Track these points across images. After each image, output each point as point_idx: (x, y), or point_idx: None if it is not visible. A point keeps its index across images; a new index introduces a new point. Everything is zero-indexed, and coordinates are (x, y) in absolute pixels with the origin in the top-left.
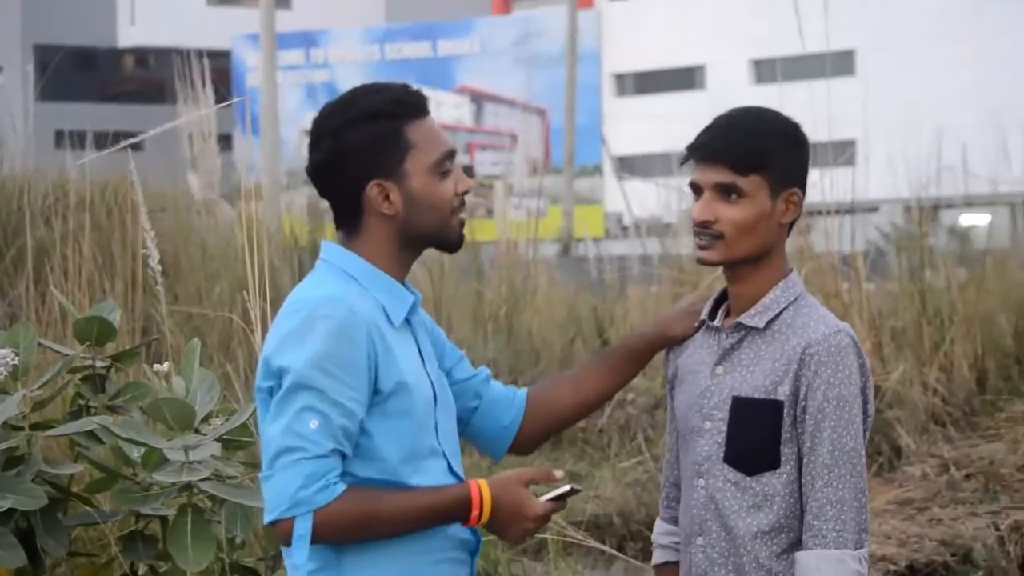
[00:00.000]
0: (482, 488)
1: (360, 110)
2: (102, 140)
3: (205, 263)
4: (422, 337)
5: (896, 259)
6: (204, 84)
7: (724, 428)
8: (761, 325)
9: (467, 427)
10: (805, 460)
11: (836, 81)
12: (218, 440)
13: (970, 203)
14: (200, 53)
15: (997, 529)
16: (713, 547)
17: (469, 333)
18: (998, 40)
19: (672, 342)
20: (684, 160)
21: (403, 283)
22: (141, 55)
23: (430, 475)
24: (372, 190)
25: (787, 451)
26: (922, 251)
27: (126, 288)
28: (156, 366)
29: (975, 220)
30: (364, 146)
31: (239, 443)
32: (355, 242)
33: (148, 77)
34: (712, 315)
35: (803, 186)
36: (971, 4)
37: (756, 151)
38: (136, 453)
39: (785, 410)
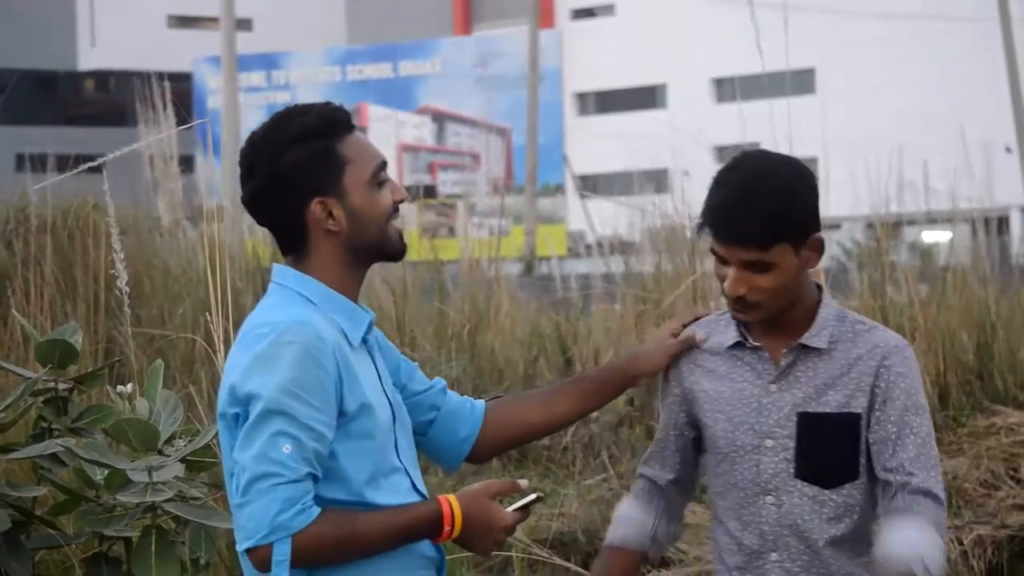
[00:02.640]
0: (452, 503)
1: (293, 132)
2: (63, 163)
3: (168, 285)
4: (378, 356)
5: (858, 275)
6: (165, 106)
7: (791, 444)
8: (824, 345)
9: (424, 439)
10: (881, 468)
11: (796, 99)
12: (182, 461)
13: (931, 220)
14: (161, 75)
15: (960, 544)
16: (793, 561)
17: (432, 351)
18: (958, 60)
19: (641, 381)
20: (700, 228)
21: (357, 303)
22: (102, 78)
23: (394, 493)
24: (315, 208)
25: (863, 461)
26: (883, 267)
27: (88, 310)
28: (119, 388)
29: (936, 237)
30: (303, 166)
31: (203, 464)
32: (305, 265)
33: (109, 100)
34: (730, 335)
35: (819, 223)
36: (930, 25)
37: (779, 225)
38: (99, 475)
39: (862, 422)
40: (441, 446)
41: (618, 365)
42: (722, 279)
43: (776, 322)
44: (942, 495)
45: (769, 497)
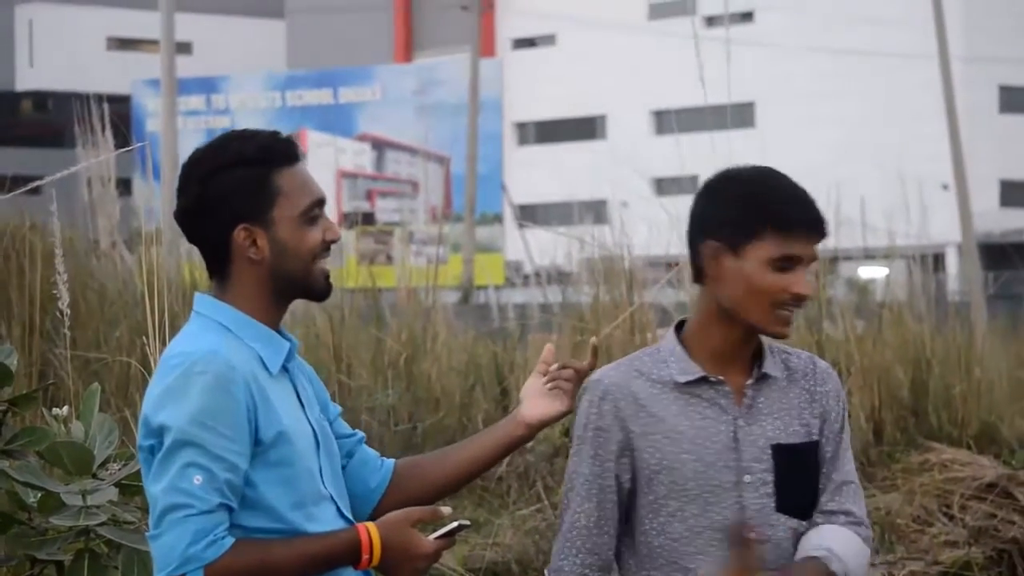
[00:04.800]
0: (371, 531)
1: (230, 156)
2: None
3: (104, 308)
4: (301, 383)
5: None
6: (104, 129)
7: (769, 478)
8: (780, 374)
9: None
10: (828, 483)
11: (736, 133)
12: (116, 485)
13: (868, 256)
14: (100, 97)
15: None
16: None
17: (369, 379)
18: (897, 96)
19: (534, 432)
20: (793, 227)
21: (278, 330)
22: (39, 99)
23: (321, 521)
24: (239, 235)
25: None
26: (820, 303)
27: (24, 332)
28: (54, 410)
29: (873, 273)
30: (232, 191)
31: (137, 488)
32: (226, 291)
33: (47, 121)
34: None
35: None
36: (869, 60)
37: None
38: (32, 497)
39: (820, 449)
40: (351, 493)
41: (506, 426)
42: (778, 289)
43: (750, 349)
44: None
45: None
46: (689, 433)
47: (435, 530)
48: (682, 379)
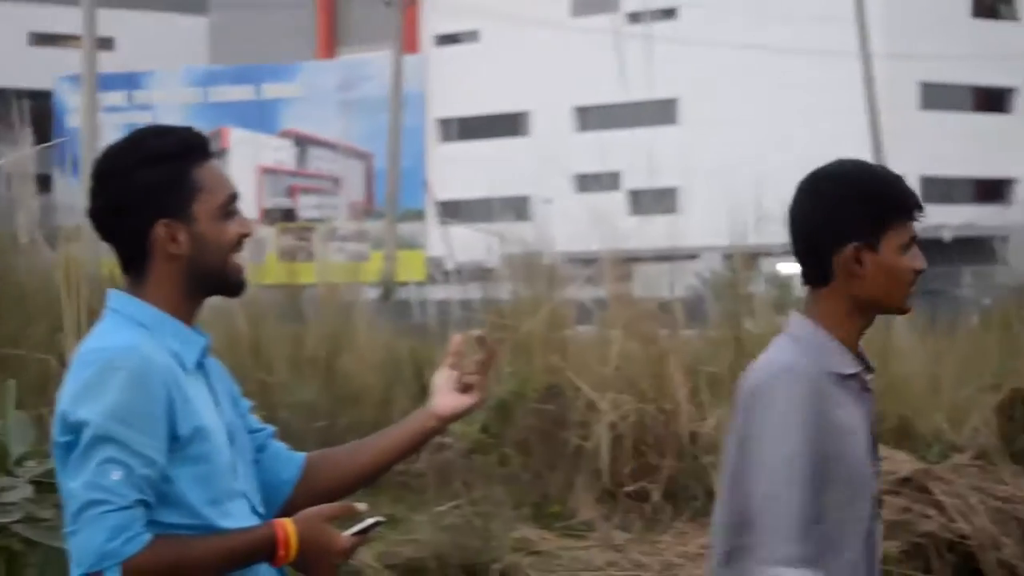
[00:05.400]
0: (287, 527)
1: (148, 152)
2: None
3: (22, 304)
4: (215, 379)
5: (715, 306)
6: (24, 124)
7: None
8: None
9: None
10: None
11: (659, 129)
12: (32, 482)
13: (789, 251)
14: (20, 93)
15: None
16: None
17: (288, 376)
18: (819, 92)
19: (445, 425)
20: (911, 210)
21: (193, 326)
22: None
23: (236, 517)
24: (160, 230)
25: None
26: (739, 298)
27: None
28: None
29: (794, 268)
30: (153, 187)
31: (53, 485)
32: (141, 287)
33: None
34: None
35: None
36: (792, 57)
37: None
38: None
39: None
40: (264, 486)
41: (427, 409)
42: (910, 270)
43: (857, 343)
44: None
45: (878, 523)
46: (853, 423)
47: (351, 527)
48: (847, 371)
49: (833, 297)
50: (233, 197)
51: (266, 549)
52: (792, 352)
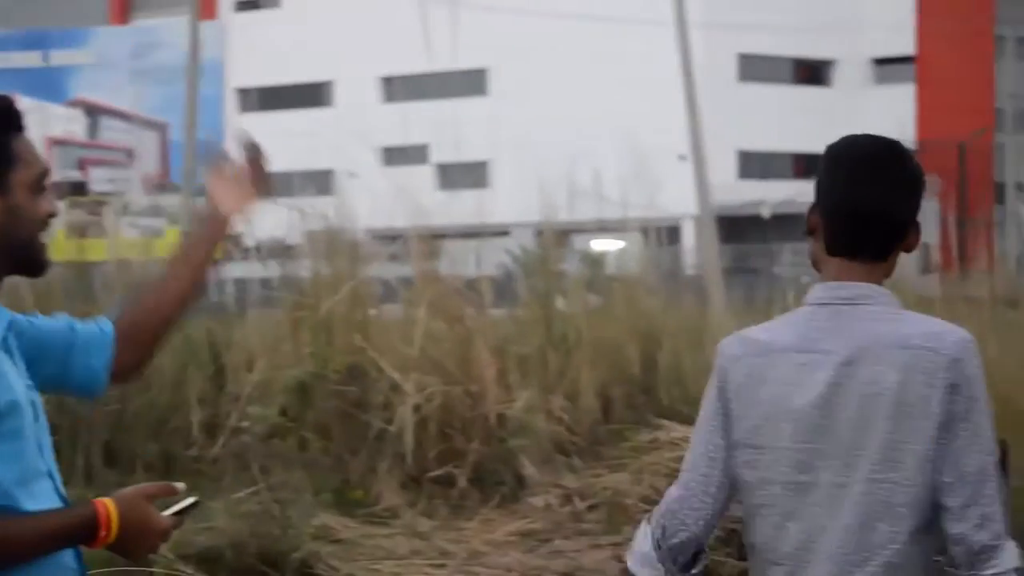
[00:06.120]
0: (108, 506)
1: None
2: None
3: None
4: (17, 358)
5: (525, 284)
6: None
7: None
8: None
9: (65, 375)
10: None
11: (467, 100)
12: None
13: (603, 228)
14: None
15: (620, 561)
16: None
17: None
18: (634, 64)
19: (231, 216)
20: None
21: None
22: None
23: (41, 498)
24: None
25: None
26: (549, 276)
27: None
28: None
29: (607, 245)
30: None
31: None
32: None
33: None
34: None
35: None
36: (606, 26)
37: None
38: None
39: None
40: (84, 374)
41: (212, 213)
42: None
43: None
44: None
45: None
46: None
47: (168, 507)
48: None
49: (887, 266)
50: (46, 172)
51: (87, 529)
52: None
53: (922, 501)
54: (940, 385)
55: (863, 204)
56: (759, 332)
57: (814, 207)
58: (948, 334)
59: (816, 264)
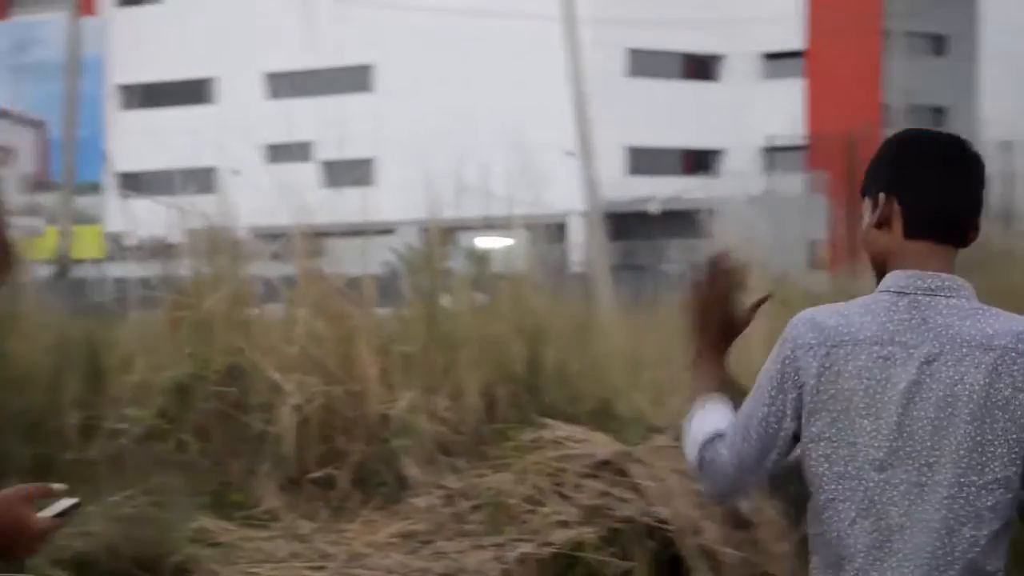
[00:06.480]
0: None
1: None
2: None
3: None
4: None
5: (410, 282)
6: None
7: None
8: None
9: None
10: None
11: (352, 97)
12: None
13: (489, 225)
14: None
15: (503, 561)
16: None
17: None
18: (521, 60)
19: None
20: None
21: None
22: None
23: None
24: None
25: None
26: (434, 274)
27: None
28: None
29: (492, 243)
30: None
31: None
32: None
33: None
34: None
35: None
36: (493, 22)
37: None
38: None
39: None
40: None
41: None
42: None
43: None
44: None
45: None
46: None
47: (48, 509)
48: None
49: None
50: None
51: None
52: None
53: (1007, 504)
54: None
55: (957, 191)
56: (832, 316)
57: (879, 200)
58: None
59: (882, 258)
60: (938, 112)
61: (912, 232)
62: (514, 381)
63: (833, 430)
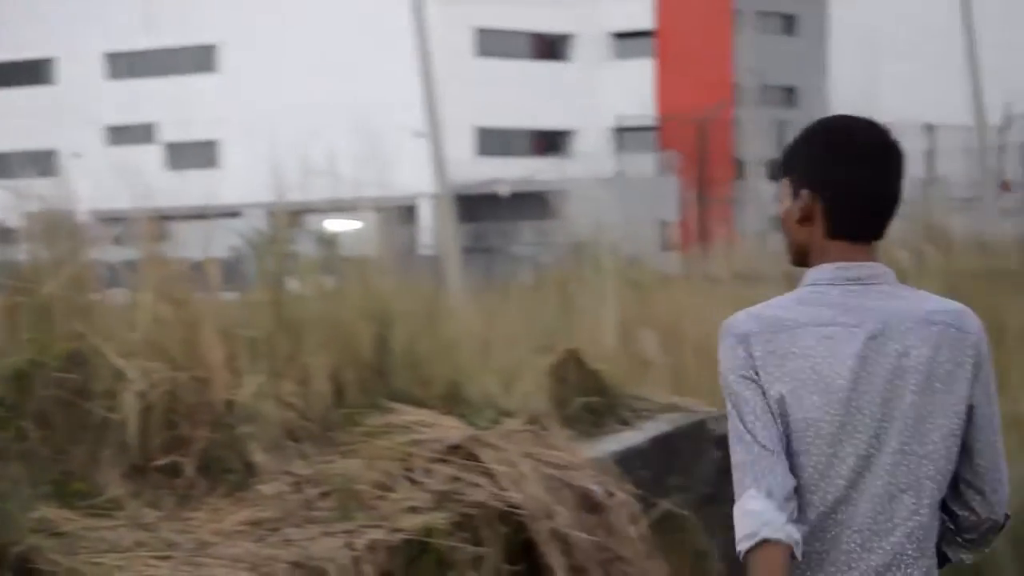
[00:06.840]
0: None
1: None
2: None
3: None
4: None
5: (256, 266)
6: None
7: None
8: None
9: None
10: None
11: (196, 78)
12: None
13: (337, 208)
14: None
15: (353, 548)
16: None
17: None
18: (368, 39)
19: None
20: None
21: None
22: None
23: None
24: None
25: None
26: (281, 258)
27: None
28: None
29: (341, 226)
30: None
31: None
32: None
33: None
34: None
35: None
36: (336, 3)
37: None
38: None
39: None
40: None
41: None
42: None
43: None
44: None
45: None
46: None
47: None
48: None
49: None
50: None
51: None
52: None
53: (945, 475)
54: (967, 364)
55: (879, 189)
56: (766, 309)
57: (800, 195)
58: (967, 314)
59: (803, 250)
60: (789, 92)
61: (835, 233)
62: (363, 365)
63: (782, 408)
